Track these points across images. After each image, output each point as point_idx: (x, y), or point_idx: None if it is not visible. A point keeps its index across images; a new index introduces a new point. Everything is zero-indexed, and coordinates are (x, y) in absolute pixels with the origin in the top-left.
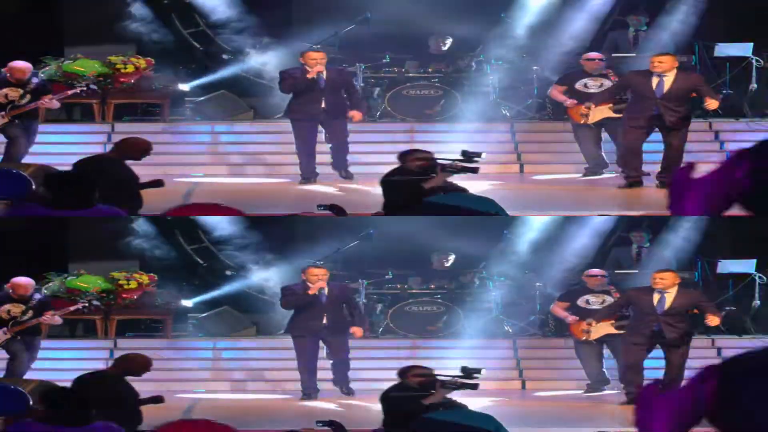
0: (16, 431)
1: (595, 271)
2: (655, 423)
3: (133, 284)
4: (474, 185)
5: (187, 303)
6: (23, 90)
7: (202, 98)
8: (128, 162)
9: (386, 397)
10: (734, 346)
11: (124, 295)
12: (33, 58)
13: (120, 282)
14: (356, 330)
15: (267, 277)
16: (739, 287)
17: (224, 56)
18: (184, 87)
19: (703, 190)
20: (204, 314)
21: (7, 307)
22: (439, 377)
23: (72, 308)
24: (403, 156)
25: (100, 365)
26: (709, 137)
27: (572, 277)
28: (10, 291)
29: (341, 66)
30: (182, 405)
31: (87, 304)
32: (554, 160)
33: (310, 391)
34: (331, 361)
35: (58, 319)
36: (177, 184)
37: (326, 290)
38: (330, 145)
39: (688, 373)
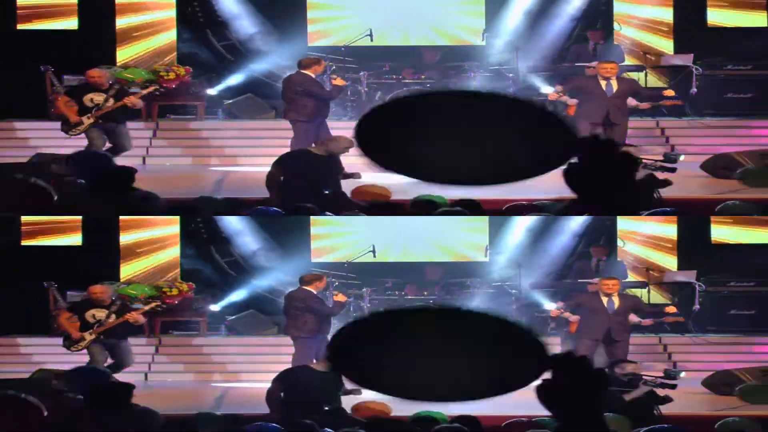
0: None
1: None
2: None
3: (175, 291)
4: None
5: (215, 307)
6: (106, 94)
7: (231, 100)
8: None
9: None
10: (678, 342)
11: (167, 301)
12: (89, 66)
13: (164, 289)
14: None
15: (285, 282)
16: (682, 294)
17: (251, 65)
18: (212, 91)
19: None
20: (234, 316)
21: (92, 311)
22: (643, 374)
23: (148, 308)
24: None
25: (147, 359)
26: (656, 134)
27: (547, 284)
28: (91, 297)
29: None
30: (216, 393)
31: (162, 304)
32: None
33: None
34: None
35: (142, 319)
36: (211, 172)
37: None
38: None
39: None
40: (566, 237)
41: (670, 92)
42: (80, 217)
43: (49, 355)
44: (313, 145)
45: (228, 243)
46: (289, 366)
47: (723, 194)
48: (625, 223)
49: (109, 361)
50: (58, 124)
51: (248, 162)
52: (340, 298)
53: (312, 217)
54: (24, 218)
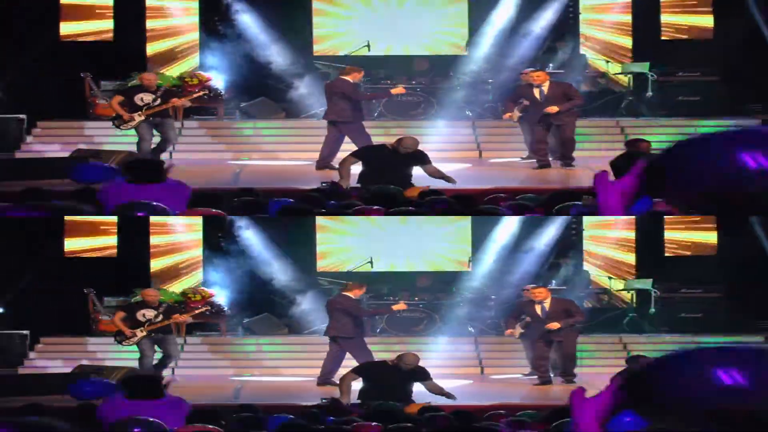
0: (108, 407)
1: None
2: (584, 419)
3: (198, 297)
4: (445, 166)
5: (233, 311)
6: (154, 95)
7: (247, 103)
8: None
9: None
10: (636, 341)
11: (191, 305)
12: (124, 75)
13: (189, 295)
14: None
15: (294, 288)
16: (640, 299)
17: (265, 71)
18: (222, 94)
19: (620, 190)
20: (249, 319)
21: (143, 311)
22: None
23: (197, 311)
24: (632, 143)
25: None
26: (616, 132)
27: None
28: (142, 299)
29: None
30: (235, 385)
31: (210, 308)
32: (503, 148)
33: (328, 377)
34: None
35: (189, 318)
36: (230, 165)
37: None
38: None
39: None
40: (539, 248)
41: (553, 108)
42: (116, 233)
43: (88, 352)
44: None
45: (245, 255)
46: (296, 361)
47: None
48: (590, 231)
49: (156, 356)
50: (96, 123)
51: (262, 156)
52: (401, 306)
53: (318, 232)
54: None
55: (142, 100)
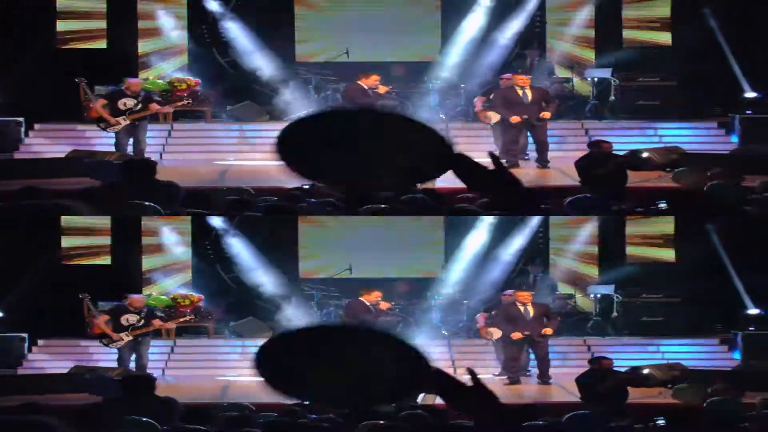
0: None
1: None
2: None
3: (187, 302)
4: None
5: (220, 314)
6: (137, 100)
7: (233, 106)
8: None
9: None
10: (599, 343)
11: (181, 309)
12: (117, 79)
13: (178, 300)
14: None
15: (277, 293)
16: (603, 303)
17: (250, 77)
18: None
19: None
20: (236, 322)
21: (126, 316)
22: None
23: (182, 320)
24: (595, 144)
25: (164, 357)
26: (581, 133)
27: (492, 298)
28: (128, 305)
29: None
30: (221, 385)
31: (194, 317)
32: (475, 149)
33: None
34: None
35: (172, 324)
36: (216, 166)
37: (379, 305)
38: None
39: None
40: (509, 256)
41: (547, 114)
42: (110, 242)
43: (83, 354)
44: None
45: (231, 262)
46: None
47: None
48: (556, 244)
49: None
50: (90, 125)
51: (247, 157)
52: (385, 305)
53: (300, 238)
54: (64, 242)
55: (125, 104)
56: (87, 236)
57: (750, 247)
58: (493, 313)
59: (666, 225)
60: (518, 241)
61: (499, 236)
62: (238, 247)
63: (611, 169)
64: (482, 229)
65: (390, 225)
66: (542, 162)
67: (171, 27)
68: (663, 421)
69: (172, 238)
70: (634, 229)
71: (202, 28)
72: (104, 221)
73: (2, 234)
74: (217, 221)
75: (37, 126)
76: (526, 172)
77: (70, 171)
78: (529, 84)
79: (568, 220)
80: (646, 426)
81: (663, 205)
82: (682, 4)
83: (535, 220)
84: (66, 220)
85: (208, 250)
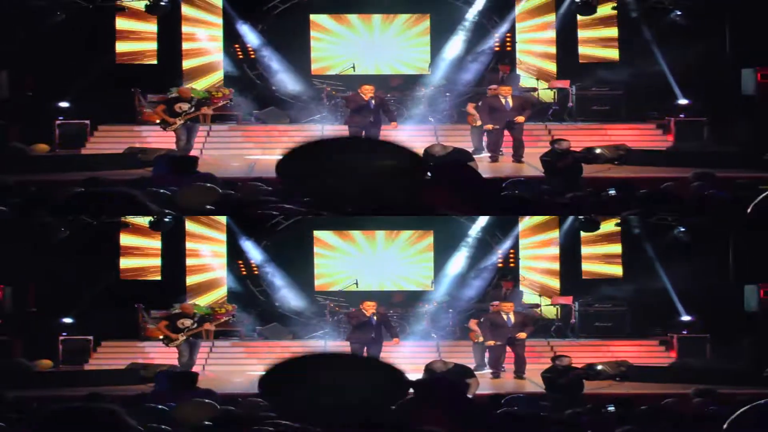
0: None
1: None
2: None
3: (223, 310)
4: None
5: (250, 321)
6: (190, 104)
7: (260, 111)
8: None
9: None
10: (561, 345)
11: (218, 316)
12: (165, 90)
13: (215, 308)
14: (395, 340)
15: (296, 303)
16: (564, 311)
17: (273, 87)
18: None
19: None
20: (262, 327)
21: (182, 320)
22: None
23: (222, 320)
24: (556, 142)
25: (205, 355)
26: (544, 134)
27: (474, 306)
28: (181, 311)
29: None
30: (252, 378)
31: (233, 317)
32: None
33: None
34: None
35: (213, 327)
36: (246, 160)
37: (375, 316)
38: None
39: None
40: (485, 273)
41: (521, 119)
42: (160, 263)
43: (139, 353)
44: None
45: (258, 278)
46: None
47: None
48: (525, 262)
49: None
50: (143, 126)
51: (272, 153)
52: (366, 307)
53: (315, 258)
54: (122, 263)
55: (180, 108)
56: (140, 257)
57: (684, 263)
58: (481, 320)
59: (615, 246)
60: (494, 259)
61: (479, 255)
62: (264, 265)
63: (569, 163)
64: (465, 250)
65: (388, 247)
66: (517, 158)
67: (209, 46)
68: (612, 408)
69: (211, 259)
70: (589, 250)
71: (235, 48)
72: (156, 242)
73: (71, 256)
74: (248, 245)
75: (99, 127)
76: (501, 165)
77: (126, 164)
78: (510, 93)
79: (535, 243)
80: (599, 412)
81: (612, 192)
82: (627, 27)
83: (507, 243)
84: (124, 240)
85: (240, 269)
